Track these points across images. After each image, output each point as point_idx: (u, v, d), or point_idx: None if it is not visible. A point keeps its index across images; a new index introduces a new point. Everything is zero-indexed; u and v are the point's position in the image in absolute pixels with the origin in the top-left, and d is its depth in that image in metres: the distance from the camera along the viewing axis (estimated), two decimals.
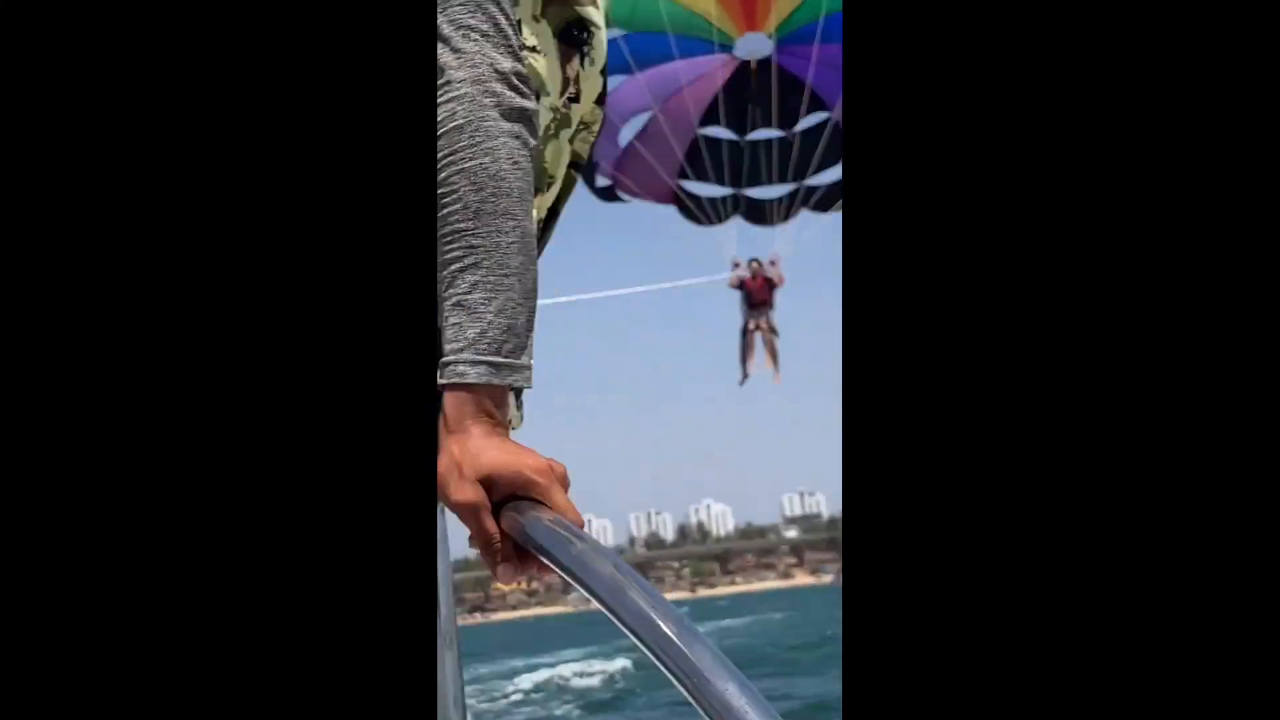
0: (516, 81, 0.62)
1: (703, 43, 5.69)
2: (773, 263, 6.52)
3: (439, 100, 0.61)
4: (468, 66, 0.62)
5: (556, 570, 0.57)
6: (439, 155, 0.61)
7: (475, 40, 0.62)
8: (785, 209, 5.91)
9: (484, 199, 0.61)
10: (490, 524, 0.59)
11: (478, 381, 0.59)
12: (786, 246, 6.77)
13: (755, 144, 5.64)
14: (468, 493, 0.58)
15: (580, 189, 1.11)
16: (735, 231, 6.67)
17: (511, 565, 0.60)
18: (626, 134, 5.62)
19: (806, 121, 5.67)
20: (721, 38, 5.73)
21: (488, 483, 0.58)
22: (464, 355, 0.60)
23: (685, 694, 0.48)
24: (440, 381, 0.60)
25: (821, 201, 6.12)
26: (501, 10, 0.63)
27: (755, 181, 5.77)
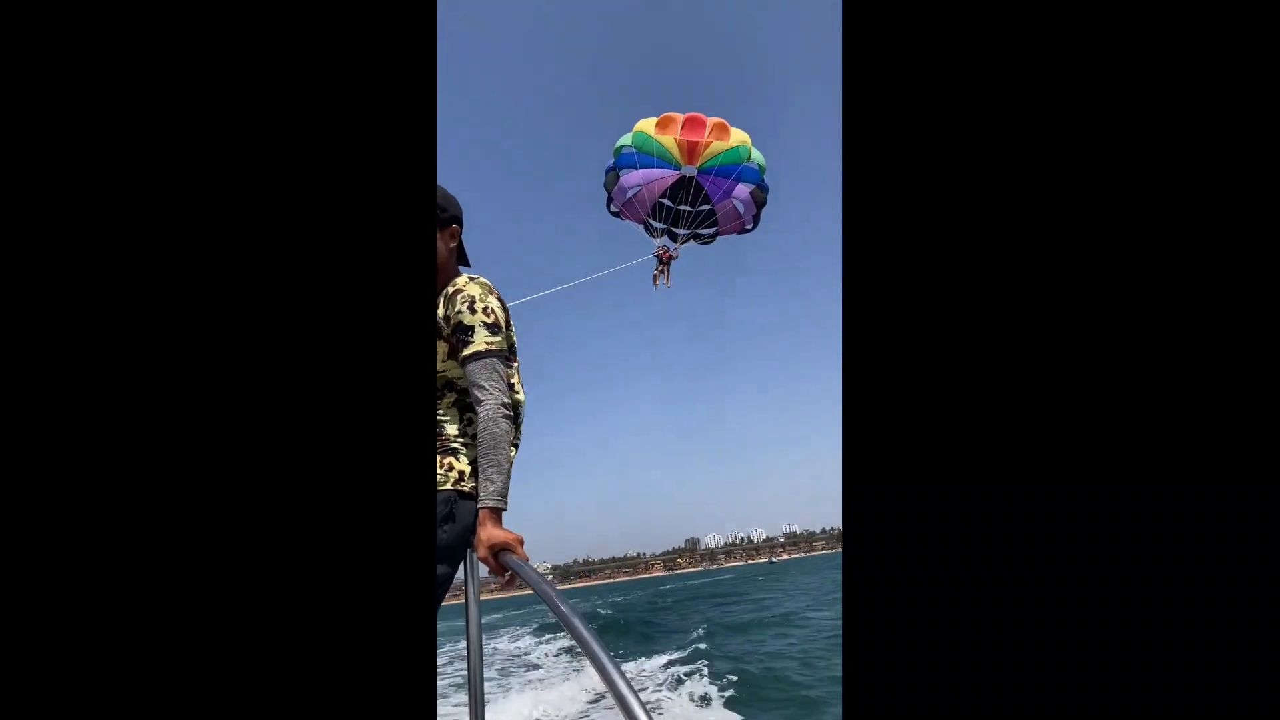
0: (510, 405, 1.54)
1: (667, 163, 13.27)
2: (672, 251, 14.23)
3: (482, 405, 1.52)
4: (492, 399, 1.51)
5: (522, 579, 1.28)
6: (481, 426, 1.49)
7: (497, 387, 1.53)
8: (686, 239, 13.60)
9: (497, 445, 1.47)
10: (494, 564, 1.39)
11: (491, 506, 1.43)
12: (676, 250, 14.46)
13: (679, 210, 13.41)
14: (484, 554, 1.40)
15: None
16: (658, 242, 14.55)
17: (502, 579, 1.41)
18: (628, 193, 13.35)
19: (701, 207, 13.38)
20: (675, 162, 13.31)
21: (494, 546, 1.39)
22: (487, 499, 1.44)
23: (563, 624, 0.94)
24: (478, 506, 1.46)
25: (704, 240, 13.84)
26: (504, 375, 1.56)
27: (676, 225, 13.51)
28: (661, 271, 13.38)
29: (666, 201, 13.38)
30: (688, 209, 13.33)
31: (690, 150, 13.15)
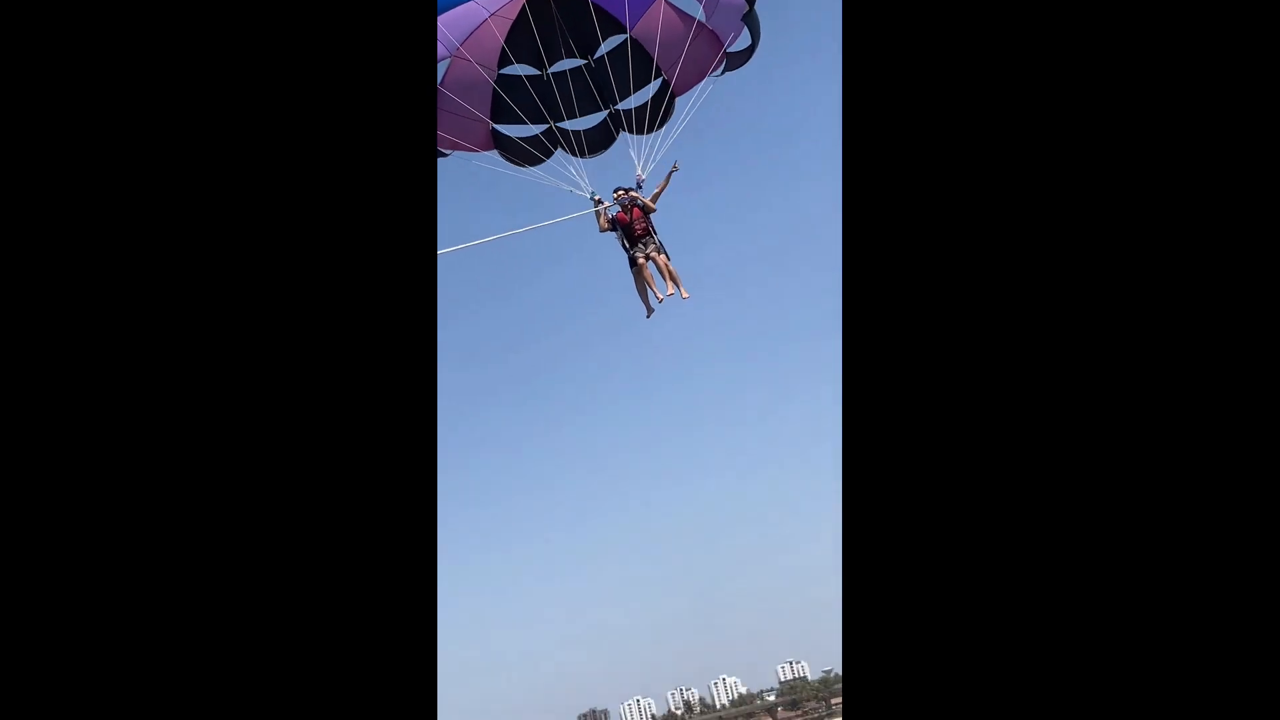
0: None
1: None
2: (639, 186, 6.19)
3: None
4: None
5: None
6: None
7: None
8: (602, 137, 5.98)
9: None
10: None
11: None
12: (644, 170, 6.41)
13: (555, 76, 5.61)
14: None
15: None
16: (575, 171, 6.34)
17: None
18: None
19: (607, 45, 5.70)
20: None
21: None
22: None
23: None
24: None
25: (638, 124, 6.22)
26: None
27: (569, 114, 5.78)
28: (647, 260, 5.64)
29: (524, 69, 5.58)
30: (581, 61, 5.58)
31: None
